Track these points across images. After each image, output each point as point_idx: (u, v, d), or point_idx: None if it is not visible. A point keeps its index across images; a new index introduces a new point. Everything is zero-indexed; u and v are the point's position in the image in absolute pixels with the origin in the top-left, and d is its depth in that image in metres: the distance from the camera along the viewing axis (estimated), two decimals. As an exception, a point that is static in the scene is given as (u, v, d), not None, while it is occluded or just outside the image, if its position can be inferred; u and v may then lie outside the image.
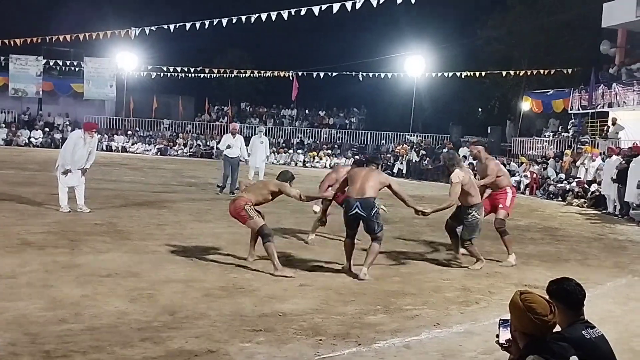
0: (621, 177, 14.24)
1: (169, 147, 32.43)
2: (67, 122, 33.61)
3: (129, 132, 33.64)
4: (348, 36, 40.87)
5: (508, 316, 3.22)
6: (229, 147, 14.13)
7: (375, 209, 6.90)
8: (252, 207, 7.00)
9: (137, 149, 31.98)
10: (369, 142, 33.07)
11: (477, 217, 7.60)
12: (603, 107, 22.56)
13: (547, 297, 3.17)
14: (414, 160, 26.46)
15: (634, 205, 13.69)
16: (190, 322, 4.97)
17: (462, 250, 8.04)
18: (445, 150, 8.79)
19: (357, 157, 19.40)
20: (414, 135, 31.75)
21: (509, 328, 3.13)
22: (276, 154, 30.03)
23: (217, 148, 23.10)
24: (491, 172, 8.16)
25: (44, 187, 13.50)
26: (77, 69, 33.60)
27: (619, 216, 14.24)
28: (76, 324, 4.76)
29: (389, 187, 7.14)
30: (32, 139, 31.75)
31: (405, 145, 28.77)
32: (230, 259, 7.42)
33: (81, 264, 6.72)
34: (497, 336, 3.18)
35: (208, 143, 32.67)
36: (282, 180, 7.35)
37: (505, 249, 8.19)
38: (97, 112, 34.48)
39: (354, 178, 7.05)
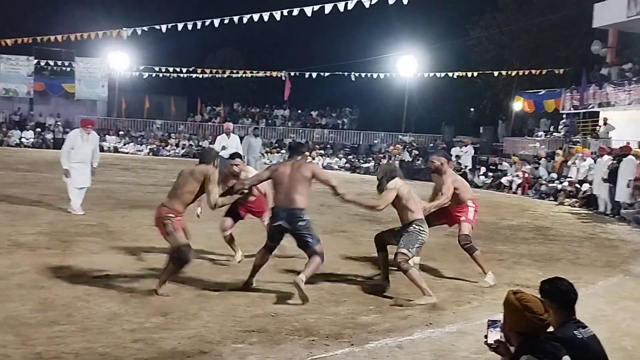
0: (612, 177, 14.33)
1: (161, 148, 32.34)
2: (59, 123, 33.48)
3: (121, 132, 33.53)
4: (340, 36, 41.01)
5: (497, 317, 3.23)
6: (224, 148, 13.45)
7: (305, 222, 5.90)
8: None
9: (129, 149, 31.87)
10: (361, 142, 33.11)
11: (422, 230, 6.23)
12: (594, 107, 22.69)
13: (539, 296, 3.18)
14: (406, 160, 26.50)
15: (625, 204, 13.77)
16: (183, 323, 4.96)
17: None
18: (436, 149, 8.40)
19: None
20: (406, 135, 31.83)
21: (498, 329, 3.15)
22: (269, 154, 29.99)
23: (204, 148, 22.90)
24: (446, 189, 6.91)
25: (35, 187, 13.44)
26: (68, 69, 33.47)
27: (610, 215, 14.32)
28: (68, 325, 4.74)
29: (314, 176, 6.07)
30: (23, 139, 31.57)
31: (398, 145, 28.82)
32: (222, 259, 7.42)
33: (73, 265, 6.68)
34: (486, 337, 3.19)
35: (200, 143, 32.60)
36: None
37: (480, 268, 7.04)
38: (88, 113, 34.27)
39: (281, 178, 5.98)
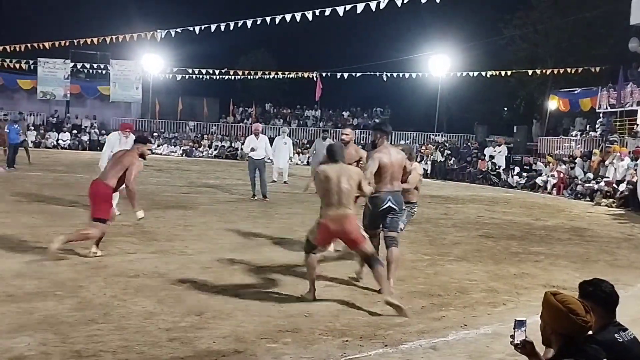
0: (651, 177, 14.02)
1: (194, 149, 32.70)
2: (94, 124, 34.09)
3: (155, 134, 33.99)
4: (372, 36, 40.92)
5: (523, 317, 3.19)
6: (252, 149, 13.61)
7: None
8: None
9: (162, 151, 32.30)
10: (393, 142, 32.88)
11: (413, 212, 7.33)
12: (632, 105, 22.20)
13: (579, 298, 3.13)
14: (438, 160, 26.30)
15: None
16: (218, 322, 5.00)
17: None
18: (405, 143, 8.34)
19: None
20: (438, 135, 31.61)
21: (524, 329, 3.11)
22: (300, 154, 30.07)
23: (241, 149, 23.02)
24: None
25: (71, 188, 13.69)
26: (103, 71, 34.06)
27: (649, 216, 14.01)
28: (105, 324, 4.81)
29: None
30: (60, 141, 32.29)
31: (429, 145, 28.63)
32: (256, 259, 7.45)
33: (109, 264, 6.79)
34: (512, 337, 3.16)
35: (232, 144, 32.86)
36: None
37: None
38: (123, 114, 34.88)
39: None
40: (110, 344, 4.39)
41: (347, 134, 8.28)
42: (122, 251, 7.55)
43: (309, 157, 24.58)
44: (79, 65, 33.70)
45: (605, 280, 3.39)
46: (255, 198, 13.68)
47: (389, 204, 6.23)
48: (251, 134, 14.36)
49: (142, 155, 7.50)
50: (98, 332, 4.61)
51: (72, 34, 26.62)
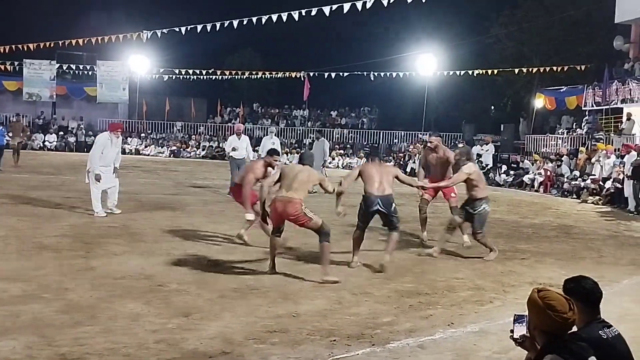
0: (637, 174, 14.13)
1: (181, 149, 32.57)
2: (81, 126, 33.89)
3: (142, 135, 33.83)
4: (359, 36, 40.92)
5: (523, 312, 3.20)
6: (234, 149, 13.93)
7: (394, 205, 7.29)
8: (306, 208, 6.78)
9: (150, 152, 32.15)
10: (381, 142, 33.02)
11: (487, 210, 8.14)
12: (617, 103, 22.38)
13: (563, 294, 3.15)
14: (426, 159, 26.34)
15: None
16: (205, 323, 4.99)
17: (465, 238, 8.65)
18: (460, 145, 9.36)
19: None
20: (426, 134, 31.63)
21: (524, 323, 3.12)
22: (288, 154, 30.04)
23: (223, 149, 23.05)
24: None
25: (58, 190, 13.62)
26: (90, 72, 33.83)
27: (635, 213, 14.11)
28: (91, 326, 4.79)
29: (397, 177, 7.51)
30: (46, 143, 32.03)
31: (418, 145, 28.68)
32: (243, 260, 7.44)
33: (96, 266, 6.77)
34: (512, 331, 3.17)
35: (220, 144, 32.76)
36: (309, 164, 7.14)
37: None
38: (110, 115, 34.67)
39: (370, 173, 7.31)
40: (96, 346, 4.38)
41: (431, 142, 9.62)
42: (108, 253, 7.52)
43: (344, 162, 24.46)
44: (65, 67, 33.45)
45: (588, 277, 3.41)
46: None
47: (377, 206, 7.20)
48: (233, 133, 14.67)
49: (270, 165, 8.29)
50: (84, 335, 4.59)
51: (57, 34, 26.45)
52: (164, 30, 21.78)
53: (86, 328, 4.74)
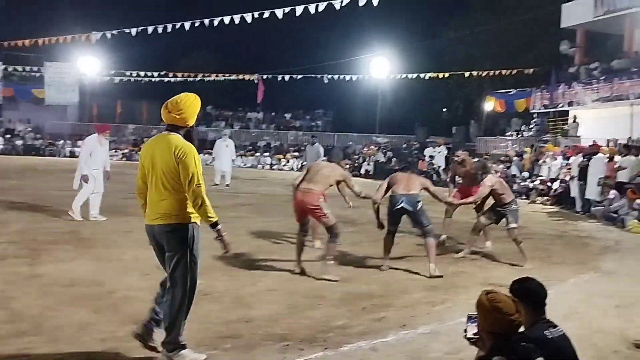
0: (582, 175, 14.55)
1: (133, 153, 32.00)
2: (29, 129, 33.00)
3: (93, 138, 33.11)
4: (312, 39, 41.01)
5: (475, 312, 3.25)
6: None
7: (421, 204, 7.49)
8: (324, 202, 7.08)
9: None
10: (335, 144, 33.18)
11: (517, 207, 8.58)
12: (564, 106, 23.04)
13: (511, 296, 3.21)
14: (380, 161, 26.63)
15: (595, 202, 14.00)
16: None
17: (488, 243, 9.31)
18: (477, 160, 10.39)
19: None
20: (380, 136, 32.00)
21: (476, 323, 3.17)
22: (243, 157, 29.90)
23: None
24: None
25: (5, 195, 13.21)
26: (37, 74, 33.00)
27: (581, 213, 14.54)
28: (37, 336, 4.65)
29: (426, 189, 7.77)
30: (-8, 146, 31.08)
31: (372, 147, 28.94)
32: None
33: (43, 274, 6.58)
34: (465, 331, 3.22)
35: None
36: (336, 161, 7.65)
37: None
38: (59, 118, 33.91)
39: (398, 179, 7.66)
40: (42, 357, 4.25)
41: (458, 156, 10.36)
42: (57, 259, 7.32)
43: (301, 163, 24.36)
44: (10, 68, 32.52)
45: (533, 278, 3.49)
46: None
47: (402, 204, 7.41)
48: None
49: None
50: (29, 345, 4.45)
51: (2, 35, 25.73)
52: (114, 32, 21.42)
53: (31, 338, 4.60)
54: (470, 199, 8.74)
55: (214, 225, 4.20)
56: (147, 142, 4.52)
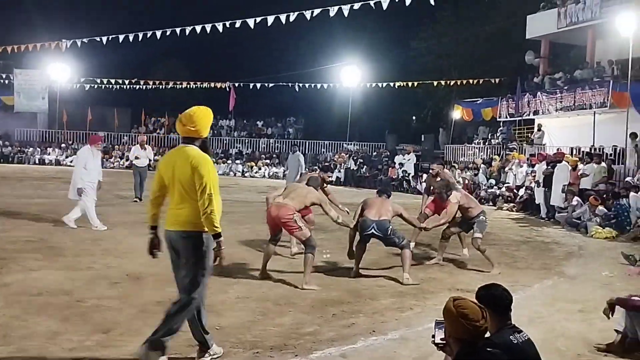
0: (547, 182, 14.86)
1: (104, 160, 31.66)
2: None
3: (63, 145, 32.73)
4: (284, 48, 41.17)
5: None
6: (137, 158, 15.56)
7: (391, 228, 7.64)
8: (298, 216, 7.20)
9: (71, 162, 31.08)
10: (307, 152, 33.24)
11: (484, 219, 8.65)
12: (529, 114, 23.47)
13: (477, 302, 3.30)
14: (351, 168, 26.79)
15: (559, 208, 14.31)
16: (126, 339, 4.91)
17: (465, 251, 9.42)
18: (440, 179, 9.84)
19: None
20: (351, 144, 32.19)
21: (444, 329, 3.25)
22: (215, 164, 29.74)
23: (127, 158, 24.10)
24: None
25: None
26: (6, 81, 32.51)
27: (546, 219, 14.84)
28: (4, 346, 4.62)
29: (400, 215, 7.93)
30: (-41, 154, 30.50)
31: (343, 154, 29.08)
32: (166, 272, 7.29)
33: (10, 283, 6.52)
34: (433, 336, 3.29)
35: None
36: (313, 186, 7.72)
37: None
38: (28, 125, 33.44)
39: (371, 204, 7.81)
40: (10, 367, 4.24)
41: (433, 169, 10.60)
42: (25, 268, 7.25)
43: (284, 172, 24.35)
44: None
45: (499, 284, 3.59)
46: (137, 201, 14.97)
47: (372, 230, 7.59)
48: (136, 144, 16.55)
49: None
50: (-3, 356, 4.43)
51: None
52: (84, 40, 21.24)
53: (-1, 348, 4.58)
54: (442, 221, 8.71)
55: (217, 235, 4.34)
56: (166, 155, 4.71)
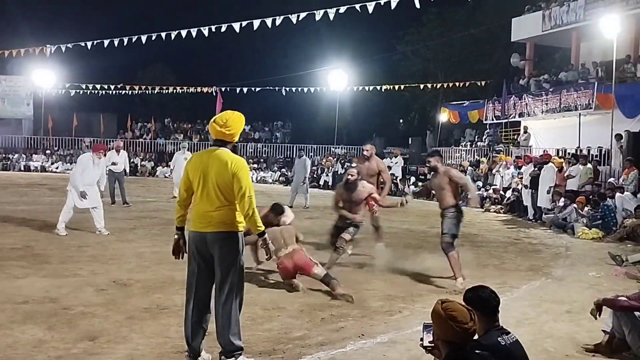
0: (534, 184, 14.95)
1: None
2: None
3: (48, 152, 32.48)
4: (271, 52, 41.19)
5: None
6: (113, 163, 15.47)
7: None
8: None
9: (57, 168, 30.87)
10: (294, 156, 33.21)
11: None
12: (515, 117, 23.62)
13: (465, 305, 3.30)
14: (339, 172, 26.78)
15: (546, 209, 14.40)
16: (112, 346, 4.86)
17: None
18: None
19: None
20: (338, 148, 32.19)
21: (432, 331, 3.24)
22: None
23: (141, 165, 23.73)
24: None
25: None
26: (-10, 87, 32.27)
27: (533, 220, 14.92)
28: (-10, 355, 4.58)
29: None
30: (-58, 161, 30.19)
31: (330, 158, 29.08)
32: (154, 279, 7.29)
33: (-5, 291, 6.44)
34: (422, 339, 3.29)
35: (132, 160, 31.91)
36: (276, 214, 7.61)
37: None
38: (13, 132, 33.19)
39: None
40: (-5, 376, 4.18)
41: (367, 150, 9.50)
42: (10, 276, 7.16)
43: (291, 177, 24.27)
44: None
45: (486, 286, 3.60)
46: (114, 205, 14.96)
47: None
48: (150, 150, 15.94)
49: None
50: (-18, 365, 4.37)
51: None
52: (69, 45, 21.11)
53: (-16, 357, 4.52)
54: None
55: (261, 234, 4.54)
56: (195, 156, 4.73)
